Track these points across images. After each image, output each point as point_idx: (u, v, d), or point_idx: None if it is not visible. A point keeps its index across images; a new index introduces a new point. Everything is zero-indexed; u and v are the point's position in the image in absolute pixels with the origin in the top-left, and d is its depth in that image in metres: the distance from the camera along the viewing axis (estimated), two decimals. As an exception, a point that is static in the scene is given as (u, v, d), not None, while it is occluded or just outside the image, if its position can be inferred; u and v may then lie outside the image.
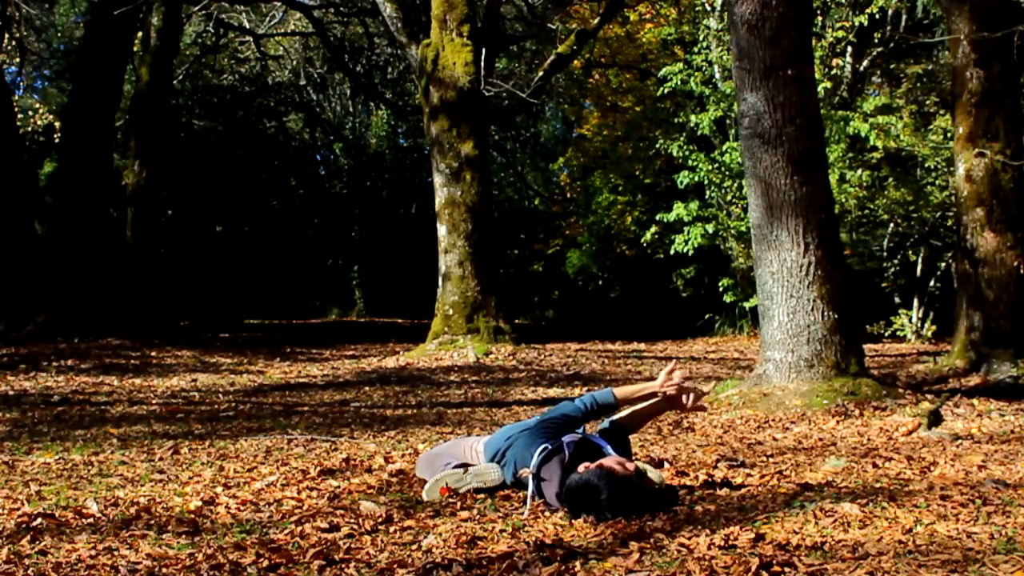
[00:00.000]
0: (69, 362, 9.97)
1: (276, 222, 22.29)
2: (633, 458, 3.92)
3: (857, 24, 12.99)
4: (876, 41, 14.38)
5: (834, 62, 13.49)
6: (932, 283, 13.57)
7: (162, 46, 14.90)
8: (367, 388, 8.29)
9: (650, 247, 15.07)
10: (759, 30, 6.10)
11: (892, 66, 15.35)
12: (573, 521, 3.12)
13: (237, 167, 21.31)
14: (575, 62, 16.13)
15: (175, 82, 17.96)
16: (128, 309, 13.56)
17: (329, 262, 23.55)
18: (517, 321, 14.97)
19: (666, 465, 4.10)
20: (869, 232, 14.58)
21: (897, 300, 13.91)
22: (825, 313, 6.05)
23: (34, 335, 12.14)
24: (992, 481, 3.46)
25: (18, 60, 19.11)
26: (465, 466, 3.66)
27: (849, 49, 14.07)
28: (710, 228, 13.26)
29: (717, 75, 13.99)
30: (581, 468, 3.22)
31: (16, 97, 18.15)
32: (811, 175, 6.12)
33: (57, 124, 16.12)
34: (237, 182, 21.46)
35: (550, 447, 3.37)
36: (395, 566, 2.63)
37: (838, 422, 5.44)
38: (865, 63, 14.45)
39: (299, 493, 3.66)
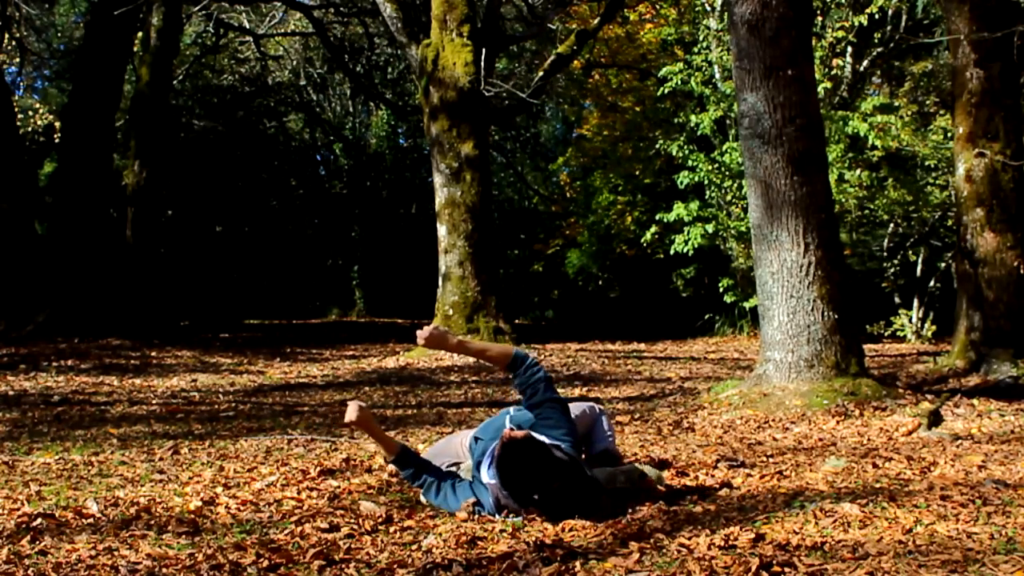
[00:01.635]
0: (69, 362, 9.97)
1: (276, 222, 22.29)
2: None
3: (857, 24, 12.98)
4: (876, 41, 14.37)
5: (834, 62, 13.48)
6: (932, 283, 13.57)
7: (162, 46, 14.90)
8: (367, 388, 8.29)
9: (650, 247, 15.06)
10: (759, 30, 6.10)
11: (896, 64, 15.33)
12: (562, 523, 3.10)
13: (237, 167, 21.31)
14: (575, 62, 16.12)
15: (175, 82, 17.95)
16: (128, 309, 13.56)
17: (329, 262, 23.55)
18: (517, 321, 14.97)
19: (666, 465, 4.10)
20: (869, 232, 14.58)
21: (897, 300, 13.90)
22: (825, 313, 6.05)
23: (34, 335, 12.14)
24: (992, 481, 3.46)
25: (18, 60, 19.12)
26: (457, 465, 3.65)
27: (849, 49, 14.06)
28: (710, 228, 13.26)
29: (717, 75, 13.99)
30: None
31: (16, 97, 18.15)
32: (811, 175, 6.12)
33: (57, 124, 16.11)
34: (237, 182, 21.46)
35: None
36: (395, 566, 2.63)
37: (838, 422, 5.44)
38: (865, 63, 14.45)
39: (299, 493, 3.66)
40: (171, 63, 15.61)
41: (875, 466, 3.96)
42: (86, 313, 12.86)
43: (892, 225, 13.90)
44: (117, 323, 12.86)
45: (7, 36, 16.08)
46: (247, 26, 20.13)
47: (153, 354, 11.08)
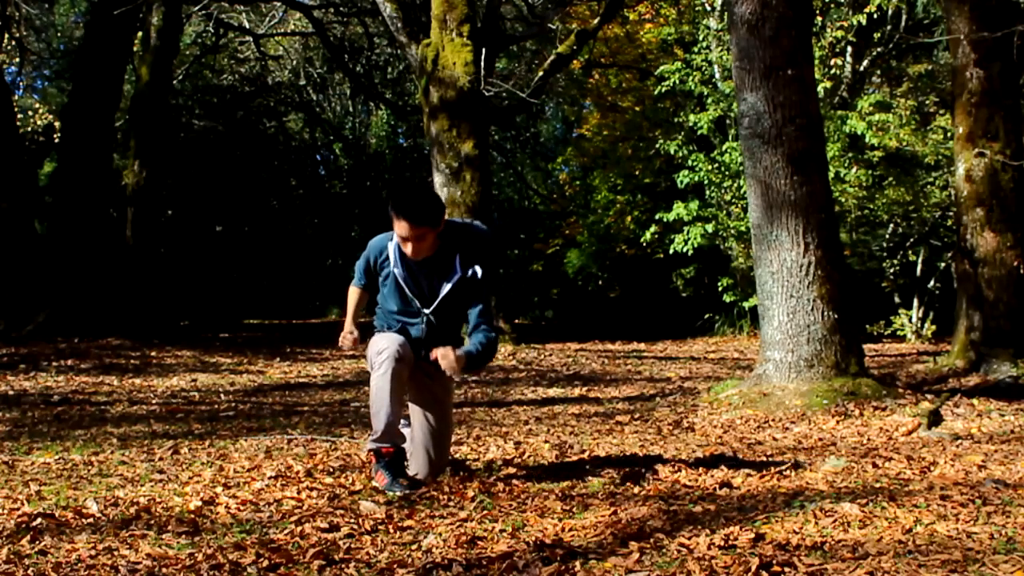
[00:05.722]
0: (69, 362, 9.97)
1: (276, 222, 22.30)
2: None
3: (856, 23, 12.98)
4: (876, 41, 14.37)
5: (834, 62, 13.48)
6: (932, 283, 13.57)
7: (162, 46, 14.90)
8: (367, 388, 8.27)
9: (650, 247, 15.06)
10: (759, 30, 6.10)
11: (895, 64, 15.33)
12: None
13: (237, 167, 21.32)
14: (575, 62, 16.13)
15: (175, 82, 17.95)
16: (128, 309, 13.56)
17: (329, 262, 23.56)
18: (517, 321, 14.98)
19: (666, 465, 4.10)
20: (869, 232, 14.57)
21: (897, 300, 13.90)
22: (825, 313, 6.05)
23: (34, 335, 12.14)
24: (992, 481, 3.46)
25: (18, 60, 19.12)
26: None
27: (849, 49, 14.06)
28: (710, 228, 13.26)
29: (717, 75, 13.99)
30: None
31: (16, 97, 18.15)
32: (811, 175, 6.13)
33: (57, 124, 16.12)
34: (237, 182, 21.47)
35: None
36: (395, 566, 2.63)
37: (838, 422, 5.44)
38: (865, 63, 14.44)
39: (299, 493, 3.66)
40: (171, 63, 15.61)
41: (875, 466, 3.96)
42: (86, 313, 12.86)
43: (892, 225, 13.89)
44: (117, 323, 12.86)
45: (7, 36, 16.08)
46: (247, 26, 20.13)
47: (153, 354, 11.08)
